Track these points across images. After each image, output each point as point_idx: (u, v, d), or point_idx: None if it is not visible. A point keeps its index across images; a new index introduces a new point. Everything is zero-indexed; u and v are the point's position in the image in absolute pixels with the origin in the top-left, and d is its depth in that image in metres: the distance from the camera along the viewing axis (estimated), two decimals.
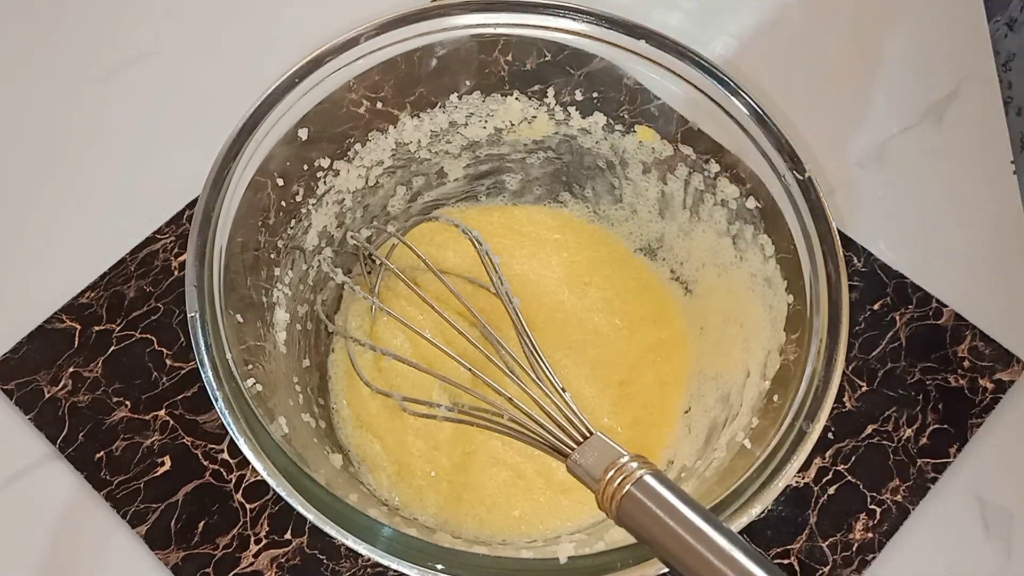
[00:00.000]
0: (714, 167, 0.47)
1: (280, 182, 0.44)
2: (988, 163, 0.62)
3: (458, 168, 0.53)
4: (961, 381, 0.54)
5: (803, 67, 0.67)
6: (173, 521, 0.48)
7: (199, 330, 0.38)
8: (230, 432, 0.36)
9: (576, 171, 0.54)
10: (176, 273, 0.55)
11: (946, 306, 0.56)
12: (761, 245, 0.45)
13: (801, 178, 0.42)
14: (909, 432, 0.52)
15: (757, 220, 0.45)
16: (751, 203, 0.45)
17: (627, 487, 0.33)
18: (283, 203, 0.45)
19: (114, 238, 0.56)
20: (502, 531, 0.46)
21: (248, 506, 0.49)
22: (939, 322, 0.56)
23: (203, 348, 0.38)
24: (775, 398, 0.41)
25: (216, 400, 0.37)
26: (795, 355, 0.41)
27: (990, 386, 0.54)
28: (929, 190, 0.62)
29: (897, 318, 0.56)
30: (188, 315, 0.38)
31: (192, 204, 0.57)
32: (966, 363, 0.54)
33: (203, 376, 0.37)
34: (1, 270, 0.56)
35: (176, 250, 0.56)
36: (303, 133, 0.44)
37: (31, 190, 0.59)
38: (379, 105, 0.47)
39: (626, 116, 0.49)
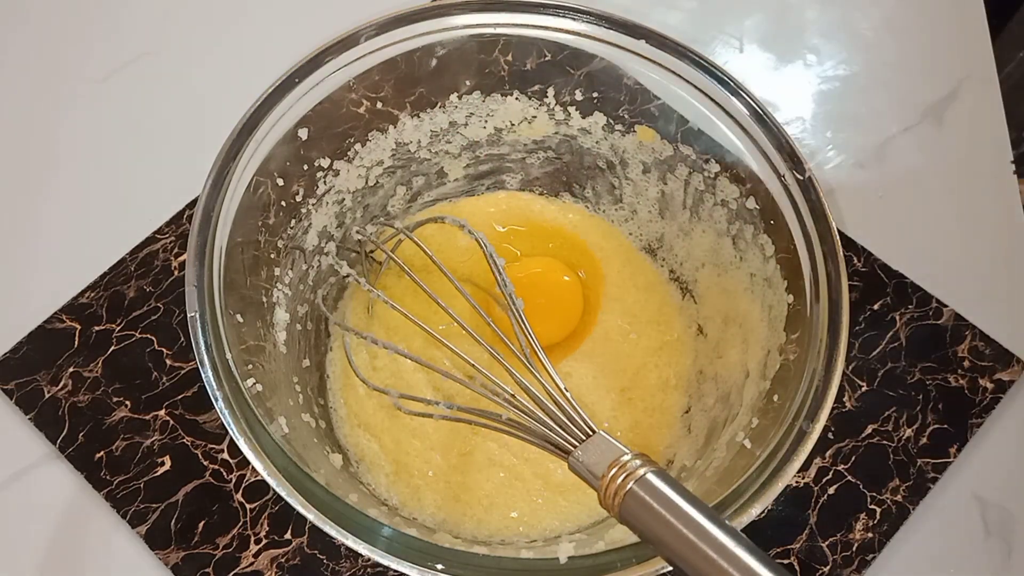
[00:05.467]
0: (714, 167, 0.47)
1: (280, 182, 0.44)
2: (988, 163, 0.62)
3: (458, 168, 0.53)
4: (961, 381, 0.54)
5: (802, 67, 0.67)
6: (173, 521, 0.48)
7: (199, 330, 0.38)
8: (230, 432, 0.36)
9: (576, 171, 0.54)
10: (176, 273, 0.55)
11: (946, 306, 0.56)
12: (761, 245, 0.45)
13: (801, 178, 0.42)
14: (909, 432, 0.52)
15: (757, 220, 0.45)
16: (751, 203, 0.45)
17: (629, 485, 0.33)
18: (283, 203, 0.45)
19: (114, 238, 0.56)
20: (501, 531, 0.46)
21: (248, 506, 0.49)
22: (939, 322, 0.56)
23: (203, 348, 0.37)
24: (775, 398, 0.40)
25: (216, 400, 0.37)
26: (795, 355, 0.41)
27: (990, 386, 0.54)
28: (929, 190, 0.62)
29: (897, 318, 0.56)
30: (188, 315, 0.38)
31: (192, 204, 0.57)
32: (966, 363, 0.54)
33: (203, 376, 0.37)
34: (1, 270, 0.56)
35: (176, 250, 0.56)
36: (303, 133, 0.44)
37: (31, 190, 0.59)
38: (379, 105, 0.47)
39: (626, 116, 0.49)
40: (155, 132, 0.61)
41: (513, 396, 0.40)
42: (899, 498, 0.51)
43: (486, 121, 0.50)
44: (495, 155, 0.53)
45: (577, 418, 0.38)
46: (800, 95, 0.65)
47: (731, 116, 0.44)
